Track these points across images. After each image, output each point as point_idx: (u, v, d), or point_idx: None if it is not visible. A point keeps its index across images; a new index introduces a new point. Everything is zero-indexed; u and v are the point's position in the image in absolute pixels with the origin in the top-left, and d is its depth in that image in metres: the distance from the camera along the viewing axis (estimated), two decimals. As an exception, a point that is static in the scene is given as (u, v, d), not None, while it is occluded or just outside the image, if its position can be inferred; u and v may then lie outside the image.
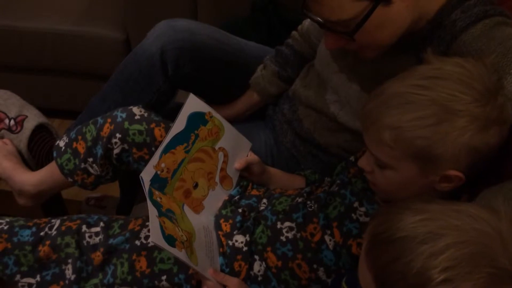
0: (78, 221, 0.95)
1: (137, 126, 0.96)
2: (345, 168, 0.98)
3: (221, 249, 0.92)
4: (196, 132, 0.96)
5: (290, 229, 0.91)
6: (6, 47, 1.82)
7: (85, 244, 0.92)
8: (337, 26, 0.83)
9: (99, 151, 0.98)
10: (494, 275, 0.53)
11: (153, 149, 0.96)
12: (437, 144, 0.72)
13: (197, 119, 0.96)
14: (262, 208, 0.96)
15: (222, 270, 0.90)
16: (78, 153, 1.01)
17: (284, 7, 1.58)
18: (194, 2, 1.67)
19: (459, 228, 0.56)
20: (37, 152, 1.16)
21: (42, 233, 0.94)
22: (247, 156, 1.03)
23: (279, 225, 0.92)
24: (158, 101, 1.15)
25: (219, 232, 0.94)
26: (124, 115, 0.97)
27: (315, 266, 0.88)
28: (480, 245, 0.55)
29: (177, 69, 1.12)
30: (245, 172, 1.03)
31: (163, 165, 0.92)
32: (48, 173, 1.07)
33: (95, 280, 0.91)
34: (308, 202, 0.93)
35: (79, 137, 1.01)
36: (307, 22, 1.17)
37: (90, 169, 1.01)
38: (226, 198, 1.00)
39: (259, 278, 0.90)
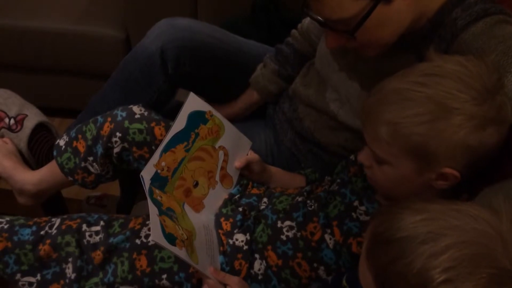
0: (79, 220, 0.95)
1: (137, 125, 0.96)
2: (345, 167, 0.98)
3: (221, 248, 0.92)
4: (196, 131, 0.96)
5: (290, 228, 0.91)
6: (6, 46, 1.82)
7: (86, 243, 0.92)
8: (337, 25, 0.83)
9: (99, 150, 0.98)
10: (495, 275, 0.53)
11: (153, 148, 0.96)
12: (432, 141, 0.73)
13: (197, 118, 0.96)
14: (262, 207, 0.96)
15: (222, 269, 0.90)
16: (78, 152, 1.01)
17: (285, 6, 1.58)
18: (194, 1, 1.67)
19: (459, 228, 0.56)
20: (37, 151, 1.16)
21: (42, 232, 0.94)
22: (247, 155, 1.04)
23: (279, 224, 0.92)
24: (158, 100, 1.15)
25: (220, 231, 0.94)
26: (124, 114, 0.97)
27: (315, 265, 0.88)
28: (481, 245, 0.54)
29: (177, 68, 1.12)
30: (245, 171, 1.03)
31: (163, 164, 0.92)
32: (48, 172, 1.07)
33: (96, 279, 0.91)
34: (308, 201, 0.93)
35: (79, 136, 1.01)
36: (307, 21, 1.17)
37: (90, 168, 1.01)
38: (227, 197, 1.00)
39: (260, 277, 0.90)
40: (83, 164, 1.01)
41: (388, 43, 0.87)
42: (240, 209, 0.96)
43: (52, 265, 0.93)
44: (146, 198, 0.87)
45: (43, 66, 1.87)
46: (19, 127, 1.16)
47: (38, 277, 0.93)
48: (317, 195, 0.94)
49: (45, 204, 1.19)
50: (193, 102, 0.96)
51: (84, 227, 0.94)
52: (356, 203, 0.88)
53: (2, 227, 0.94)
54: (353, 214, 0.88)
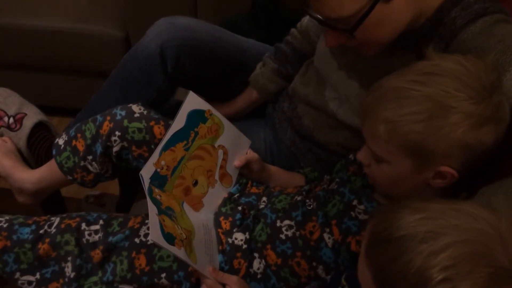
0: (78, 219, 0.95)
1: (136, 124, 0.96)
2: (345, 166, 0.98)
3: (220, 247, 0.92)
4: (195, 129, 0.96)
5: (290, 227, 0.91)
6: (5, 45, 1.82)
7: (85, 241, 0.92)
8: (337, 24, 0.83)
9: (99, 149, 0.98)
10: (494, 274, 0.53)
11: (152, 146, 0.96)
12: (430, 139, 0.73)
13: (196, 116, 0.96)
14: (261, 206, 0.96)
15: (221, 268, 0.90)
16: (77, 151, 1.01)
17: (284, 5, 1.58)
18: (194, 0, 1.67)
19: (458, 227, 0.56)
20: (36, 150, 1.16)
21: (41, 231, 0.94)
22: (247, 153, 1.04)
23: (278, 223, 0.92)
24: (158, 98, 1.15)
25: (219, 230, 0.94)
26: (123, 113, 0.97)
27: (314, 263, 0.88)
28: (480, 244, 0.54)
29: (176, 66, 1.12)
30: (245, 170, 1.03)
31: (163, 162, 0.92)
32: (48, 171, 1.07)
33: (95, 278, 0.91)
34: (307, 201, 0.93)
35: (79, 135, 1.01)
36: (306, 19, 1.17)
37: (89, 167, 1.01)
38: (226, 195, 1.00)
39: (259, 276, 0.90)
40: (82, 163, 1.01)
41: (388, 41, 0.87)
42: (240, 208, 0.96)
43: (51, 264, 0.93)
44: (145, 197, 0.87)
45: (42, 65, 1.87)
46: (18, 126, 1.16)
47: (38, 276, 0.93)
48: (316, 194, 0.94)
49: (44, 203, 1.19)
50: (193, 101, 0.96)
51: (84, 226, 0.94)
52: (355, 202, 0.88)
53: (2, 226, 0.94)
54: (352, 213, 0.88)
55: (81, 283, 0.92)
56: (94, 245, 0.92)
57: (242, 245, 0.91)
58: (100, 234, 0.92)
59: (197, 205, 0.97)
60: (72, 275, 0.91)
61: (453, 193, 0.79)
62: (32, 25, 1.78)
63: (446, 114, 0.72)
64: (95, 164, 1.00)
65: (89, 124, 1.00)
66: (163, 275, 0.90)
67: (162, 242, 0.79)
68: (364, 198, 0.88)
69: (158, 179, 0.92)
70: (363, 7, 0.80)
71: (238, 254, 0.91)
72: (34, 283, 0.93)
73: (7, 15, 1.80)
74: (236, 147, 1.03)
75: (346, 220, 0.87)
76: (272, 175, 1.06)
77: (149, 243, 0.91)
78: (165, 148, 0.92)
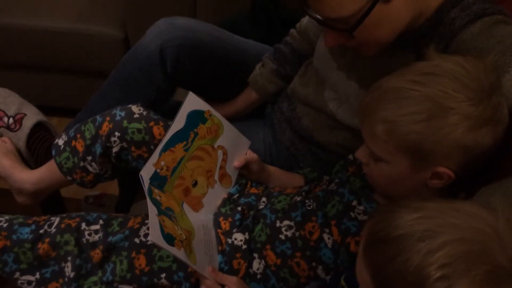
0: (78, 219, 0.95)
1: (136, 125, 0.96)
2: (344, 166, 0.99)
3: (220, 247, 0.92)
4: (195, 130, 0.96)
5: (289, 227, 0.91)
6: (5, 45, 1.82)
7: (85, 241, 0.92)
8: (336, 24, 0.83)
9: (98, 149, 0.98)
10: (491, 272, 0.53)
11: (152, 147, 0.96)
12: (428, 139, 0.73)
13: (196, 117, 0.96)
14: (261, 206, 0.96)
15: (221, 268, 0.90)
16: (77, 151, 1.01)
17: (284, 5, 1.58)
18: (193, 0, 1.67)
19: (456, 226, 0.56)
20: (36, 150, 1.16)
21: (41, 231, 0.94)
22: (246, 154, 1.04)
23: (278, 224, 0.92)
24: (157, 99, 1.15)
25: (218, 230, 0.94)
26: (123, 114, 0.97)
27: (313, 264, 0.88)
28: (477, 243, 0.55)
29: (176, 66, 1.12)
30: (244, 171, 1.04)
31: (162, 163, 0.92)
32: (47, 172, 1.07)
33: (94, 278, 0.91)
34: (307, 201, 0.93)
35: (78, 136, 1.01)
36: (305, 20, 1.17)
37: (89, 167, 1.01)
38: (225, 196, 1.00)
39: (258, 276, 0.90)
40: (81, 164, 1.01)
41: (387, 42, 0.87)
42: (239, 208, 0.96)
43: (51, 264, 0.93)
44: (145, 198, 0.87)
45: (42, 65, 1.87)
46: (18, 126, 1.16)
47: (37, 275, 0.93)
48: (315, 195, 0.94)
49: (44, 203, 1.19)
50: (192, 102, 0.96)
51: (83, 226, 0.94)
52: (354, 203, 0.88)
53: (1, 225, 0.94)
54: (351, 213, 0.88)
55: (80, 283, 0.92)
56: (94, 245, 0.92)
57: (241, 245, 0.91)
58: (100, 234, 0.93)
59: (197, 206, 0.97)
60: (72, 275, 0.91)
61: (452, 193, 0.79)
62: (32, 25, 1.78)
63: (445, 115, 0.72)
64: (95, 165, 1.00)
65: (88, 125, 1.00)
66: (163, 275, 0.90)
67: (162, 242, 0.79)
68: (363, 198, 0.88)
69: (158, 180, 0.92)
70: (362, 7, 0.80)
71: (238, 255, 0.91)
72: (33, 283, 0.93)
73: (7, 15, 1.81)
74: (235, 147, 1.03)
75: (346, 220, 0.87)
76: (271, 175, 1.06)
77: (149, 243, 0.91)
78: (164, 149, 0.92)
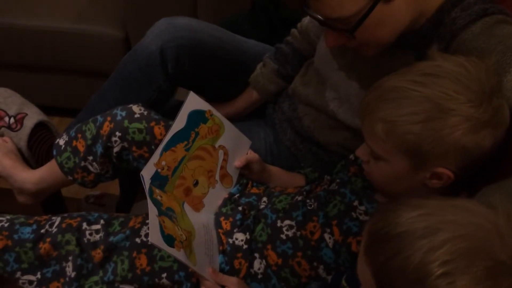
0: (79, 219, 0.95)
1: (136, 125, 0.96)
2: (345, 166, 0.99)
3: (221, 247, 0.92)
4: (196, 130, 0.96)
5: (290, 227, 0.91)
6: (5, 45, 1.82)
7: (86, 241, 0.92)
8: (337, 24, 0.83)
9: (99, 149, 0.98)
10: (492, 268, 0.53)
11: (152, 147, 0.96)
12: (427, 140, 0.73)
13: (197, 117, 0.96)
14: (262, 206, 0.96)
15: (222, 268, 0.90)
16: (78, 151, 1.01)
17: (284, 5, 1.58)
18: (194, 0, 1.67)
19: (457, 223, 0.56)
20: (37, 150, 1.16)
21: (42, 231, 0.94)
22: (247, 154, 1.04)
23: (279, 223, 0.92)
24: (158, 99, 1.15)
25: (219, 230, 0.94)
26: (124, 114, 0.97)
27: (315, 263, 0.88)
28: (478, 239, 0.55)
29: (177, 67, 1.12)
30: (245, 170, 1.04)
31: (163, 163, 0.93)
32: (48, 171, 1.07)
33: (96, 278, 0.92)
34: (308, 201, 0.93)
35: (79, 136, 1.01)
36: (306, 20, 1.17)
37: (90, 167, 1.01)
38: (226, 196, 1.00)
39: (259, 276, 0.90)
40: (82, 164, 1.01)
41: (387, 42, 0.87)
42: (240, 208, 0.96)
43: (52, 264, 0.93)
44: (145, 197, 0.87)
45: (42, 65, 1.87)
46: (19, 126, 1.16)
47: (38, 275, 0.93)
48: (316, 195, 0.94)
49: (45, 203, 1.19)
50: (193, 101, 0.96)
51: (84, 225, 0.94)
52: (355, 203, 0.88)
53: (3, 225, 0.94)
54: (352, 213, 0.88)
55: (81, 283, 0.92)
56: (95, 244, 0.92)
57: (242, 245, 0.91)
58: (101, 234, 0.93)
59: (198, 206, 0.97)
60: (73, 274, 0.91)
61: (453, 193, 0.79)
62: (32, 25, 1.78)
63: (444, 116, 0.72)
64: (96, 165, 1.00)
65: (89, 125, 1.00)
66: (164, 275, 0.90)
67: (161, 244, 0.79)
68: (365, 199, 0.88)
69: (159, 180, 0.93)
70: (363, 7, 0.80)
71: (239, 255, 0.91)
72: (35, 283, 0.93)
73: (7, 15, 1.80)
74: (236, 147, 1.03)
75: (347, 220, 0.88)
76: (272, 175, 1.06)
77: (150, 243, 0.91)
78: (165, 149, 0.93)
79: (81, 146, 1.00)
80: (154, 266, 0.91)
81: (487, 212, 0.57)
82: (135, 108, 0.98)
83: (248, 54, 1.21)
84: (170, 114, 0.98)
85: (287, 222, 0.92)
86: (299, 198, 0.95)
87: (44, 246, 0.92)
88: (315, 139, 1.08)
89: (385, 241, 0.58)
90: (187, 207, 0.96)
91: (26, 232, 0.93)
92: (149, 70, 1.13)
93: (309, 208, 0.92)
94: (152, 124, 0.97)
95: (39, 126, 1.18)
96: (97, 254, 0.91)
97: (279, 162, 1.11)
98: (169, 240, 0.81)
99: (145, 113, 0.98)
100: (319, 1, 0.81)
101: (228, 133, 1.01)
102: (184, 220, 0.91)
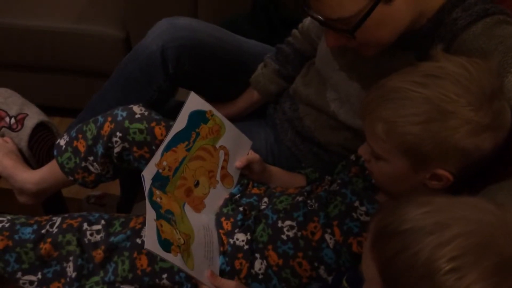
0: (79, 219, 0.95)
1: (137, 125, 0.96)
2: (346, 167, 0.99)
3: (222, 248, 0.92)
4: (197, 130, 0.96)
5: (291, 227, 0.91)
6: (6, 45, 1.82)
7: (86, 241, 0.92)
8: (337, 24, 0.83)
9: (100, 149, 0.98)
10: (501, 264, 0.54)
11: (153, 147, 0.96)
12: (426, 142, 0.74)
13: (198, 117, 0.96)
14: (263, 206, 0.96)
15: (223, 269, 0.90)
16: (78, 151, 1.01)
17: (284, 5, 1.58)
18: (194, 0, 1.67)
19: (465, 219, 0.56)
20: (37, 150, 1.16)
21: (43, 231, 0.94)
22: (248, 154, 1.04)
23: (280, 224, 0.92)
24: (159, 99, 1.15)
25: (220, 231, 0.94)
26: (124, 114, 0.97)
27: (315, 264, 0.89)
28: (486, 235, 0.55)
29: (177, 67, 1.12)
30: (246, 171, 1.04)
31: (164, 163, 0.93)
32: (49, 172, 1.07)
33: (96, 278, 0.92)
34: (309, 201, 0.93)
35: (80, 136, 1.01)
36: (307, 20, 1.17)
37: (90, 167, 1.01)
38: (227, 196, 1.00)
39: (260, 276, 0.90)
40: (83, 164, 1.01)
41: (388, 42, 0.87)
42: (241, 208, 0.96)
43: (53, 264, 0.93)
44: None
45: (43, 65, 1.87)
46: (19, 126, 1.16)
47: (39, 275, 0.93)
48: (317, 195, 0.94)
49: (45, 203, 1.19)
50: (194, 102, 0.96)
51: (85, 226, 0.94)
52: (356, 204, 0.88)
53: (3, 225, 0.94)
54: (353, 214, 0.88)
55: (82, 283, 0.92)
56: (95, 245, 0.92)
57: (243, 245, 0.91)
58: (101, 234, 0.93)
59: (199, 206, 0.97)
60: (74, 275, 0.91)
61: (454, 193, 0.79)
62: (33, 25, 1.78)
63: (444, 118, 0.72)
64: (96, 165, 1.00)
65: (90, 125, 1.00)
66: (165, 275, 0.90)
67: (157, 249, 0.79)
68: (365, 199, 0.88)
69: (160, 180, 0.93)
70: (363, 7, 0.80)
71: (240, 255, 0.91)
72: (35, 283, 0.93)
73: (7, 15, 1.80)
74: (237, 147, 1.03)
75: (348, 221, 0.88)
76: (273, 175, 1.06)
77: (144, 248, 0.91)
78: (166, 149, 0.93)
79: (81, 146, 1.00)
80: (154, 267, 0.90)
81: (494, 209, 0.57)
82: (136, 109, 0.98)
83: (248, 54, 1.21)
84: (171, 114, 0.98)
85: (288, 222, 0.92)
86: (300, 198, 0.95)
87: (44, 247, 0.92)
88: (316, 140, 1.08)
89: (393, 237, 0.57)
90: (187, 208, 0.96)
91: (27, 232, 0.93)
92: (149, 70, 1.13)
93: (310, 208, 0.92)
94: (153, 124, 0.97)
95: (40, 127, 1.18)
96: (98, 254, 0.91)
97: (279, 162, 1.11)
98: (166, 245, 0.81)
99: (146, 113, 0.98)
100: (319, 1, 0.81)
101: (229, 133, 1.01)
102: (184, 223, 0.91)
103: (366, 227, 0.68)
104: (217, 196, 0.99)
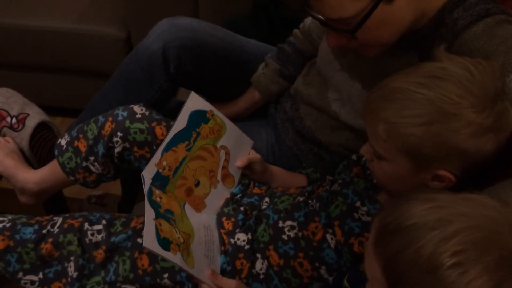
0: (80, 219, 0.95)
1: (138, 125, 0.96)
2: (347, 167, 0.99)
3: (223, 248, 0.92)
4: (197, 130, 0.96)
5: (292, 227, 0.91)
6: (7, 45, 1.82)
7: (87, 241, 0.92)
8: (338, 24, 0.83)
9: (101, 149, 0.98)
10: (503, 258, 0.54)
11: (154, 147, 0.96)
12: (427, 143, 0.73)
13: (198, 117, 0.96)
14: (264, 206, 0.96)
15: (223, 269, 0.90)
16: (79, 151, 1.01)
17: (284, 5, 1.58)
18: (195, 0, 1.67)
19: (468, 215, 0.57)
20: (38, 150, 1.16)
21: (44, 231, 0.94)
22: (249, 154, 1.04)
23: (280, 224, 0.92)
24: (159, 99, 1.15)
25: (221, 231, 0.94)
26: (125, 114, 0.97)
27: (317, 264, 0.88)
28: (490, 230, 0.55)
29: (178, 67, 1.12)
30: (247, 171, 1.04)
31: (164, 163, 0.93)
32: (50, 172, 1.07)
33: (97, 278, 0.92)
34: (310, 201, 0.93)
35: (81, 136, 1.01)
36: (309, 20, 1.17)
37: (91, 167, 1.01)
38: (228, 196, 1.00)
39: (261, 277, 0.90)
40: (84, 164, 1.01)
41: (389, 42, 0.87)
42: (242, 208, 0.97)
43: (54, 264, 0.93)
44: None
45: (44, 65, 1.87)
46: (20, 126, 1.16)
47: (40, 275, 0.93)
48: (318, 195, 0.94)
49: (46, 203, 1.20)
50: (195, 101, 0.96)
51: (86, 226, 0.94)
52: (358, 204, 0.88)
53: (4, 225, 0.94)
54: (355, 214, 0.88)
55: (83, 283, 0.92)
56: (96, 245, 0.92)
57: (244, 245, 0.91)
58: (102, 234, 0.93)
59: (199, 206, 0.97)
60: (75, 275, 0.91)
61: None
62: (34, 25, 1.78)
63: (446, 120, 0.72)
64: (97, 165, 1.00)
65: (91, 125, 1.00)
66: (166, 275, 0.90)
67: (156, 248, 0.78)
68: (367, 199, 0.88)
69: (160, 180, 0.93)
70: (364, 8, 0.80)
71: (241, 255, 0.91)
72: (36, 283, 0.93)
73: (7, 15, 1.81)
74: (238, 147, 1.03)
75: (349, 221, 0.88)
76: (274, 175, 1.06)
77: (143, 247, 0.91)
78: (166, 149, 0.93)
79: (82, 146, 1.00)
80: (155, 267, 0.91)
81: (498, 205, 0.58)
82: (137, 108, 0.98)
83: (249, 54, 1.21)
84: (172, 114, 0.98)
85: (289, 222, 0.92)
86: (301, 198, 0.95)
87: (46, 247, 0.92)
88: (317, 140, 1.08)
89: (396, 233, 0.58)
90: (188, 207, 0.96)
91: (28, 232, 0.93)
92: (150, 70, 1.13)
93: (311, 208, 0.92)
94: (154, 124, 0.97)
95: (41, 126, 1.18)
96: (99, 254, 0.91)
97: (280, 162, 1.11)
98: (165, 243, 0.81)
99: (147, 113, 0.98)
100: (320, 1, 0.81)
101: (229, 133, 1.01)
102: (184, 222, 0.91)
103: (368, 227, 0.68)
104: (218, 196, 0.99)
